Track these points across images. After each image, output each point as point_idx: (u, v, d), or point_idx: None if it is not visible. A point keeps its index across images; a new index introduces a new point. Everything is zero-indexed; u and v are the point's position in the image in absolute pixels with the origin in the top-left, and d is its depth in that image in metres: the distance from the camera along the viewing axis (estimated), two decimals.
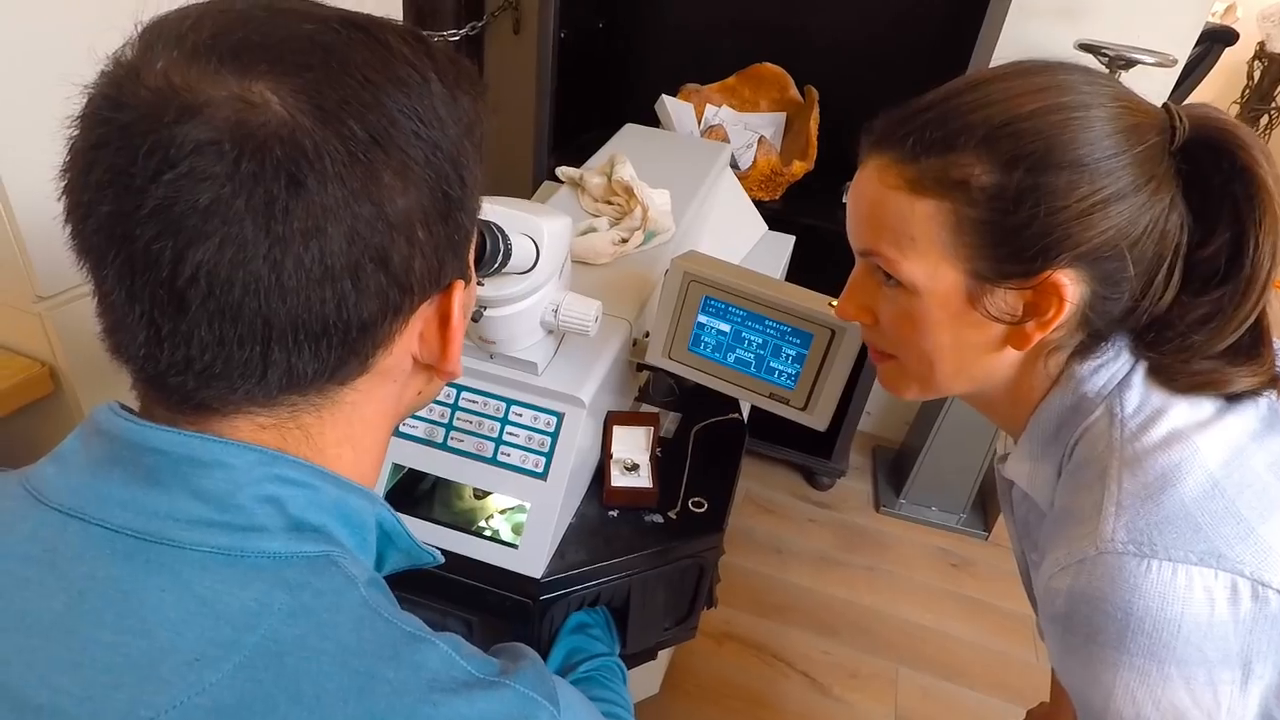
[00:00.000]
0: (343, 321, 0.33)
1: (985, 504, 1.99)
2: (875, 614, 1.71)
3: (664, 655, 1.38)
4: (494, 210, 0.58)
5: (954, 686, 1.57)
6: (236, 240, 0.30)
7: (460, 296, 0.39)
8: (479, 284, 0.60)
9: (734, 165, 1.61)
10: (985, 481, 1.93)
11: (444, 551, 0.69)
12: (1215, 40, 2.65)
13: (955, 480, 1.91)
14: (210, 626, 0.31)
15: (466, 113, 0.37)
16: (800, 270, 1.33)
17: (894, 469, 2.08)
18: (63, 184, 0.32)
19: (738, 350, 0.76)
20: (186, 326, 0.31)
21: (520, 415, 0.70)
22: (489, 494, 0.74)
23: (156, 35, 0.32)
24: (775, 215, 1.43)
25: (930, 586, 1.80)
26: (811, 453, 1.96)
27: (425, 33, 0.38)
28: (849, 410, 1.86)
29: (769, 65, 1.75)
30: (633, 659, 0.84)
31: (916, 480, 1.94)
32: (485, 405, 0.71)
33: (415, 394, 0.44)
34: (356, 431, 0.39)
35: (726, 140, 1.61)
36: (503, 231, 0.56)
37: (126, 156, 0.29)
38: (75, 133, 0.32)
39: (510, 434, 0.70)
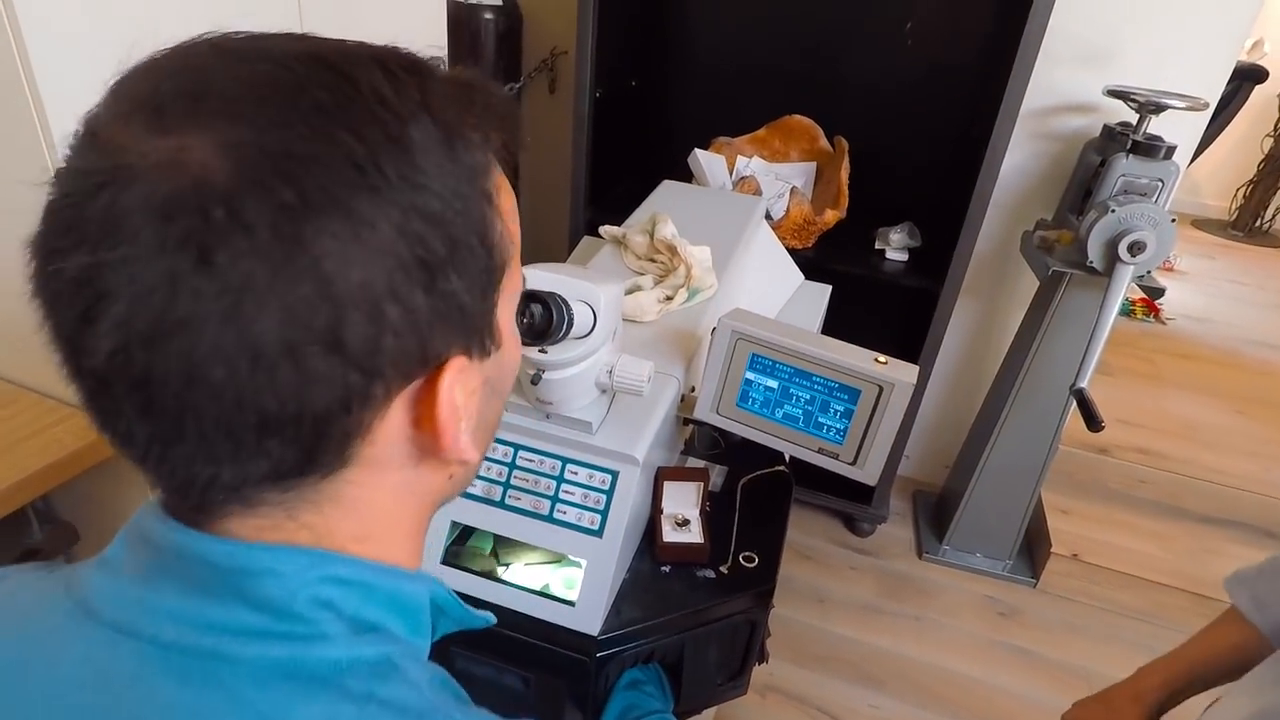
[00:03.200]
0: (287, 414, 0.28)
1: (1032, 550, 1.95)
2: (922, 665, 1.67)
3: (708, 709, 1.36)
4: (553, 279, 0.61)
5: None
6: (143, 328, 0.26)
7: (454, 377, 0.33)
8: (542, 351, 0.62)
9: (767, 215, 1.64)
10: (1031, 527, 1.89)
11: (500, 609, 0.71)
12: (1245, 79, 2.66)
13: (999, 526, 1.88)
14: None
15: (469, 157, 0.31)
16: (834, 317, 1.34)
17: (936, 514, 2.06)
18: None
19: (786, 406, 0.77)
20: (120, 414, 0.28)
21: (576, 473, 0.72)
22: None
23: (113, 91, 0.29)
24: (808, 263, 1.45)
25: (978, 637, 1.75)
26: (851, 499, 1.95)
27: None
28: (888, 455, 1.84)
29: (798, 117, 1.79)
30: (681, 714, 0.84)
31: (959, 526, 1.91)
32: (542, 464, 0.73)
33: (445, 479, 0.38)
34: (373, 528, 0.35)
35: (758, 191, 1.65)
36: (566, 302, 0.59)
37: (52, 233, 0.28)
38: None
39: (566, 492, 0.72)
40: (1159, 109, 1.45)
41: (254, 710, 0.29)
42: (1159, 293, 1.57)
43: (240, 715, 0.29)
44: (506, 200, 0.35)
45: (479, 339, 0.34)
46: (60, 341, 0.28)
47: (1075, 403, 1.51)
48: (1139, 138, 1.48)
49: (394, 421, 0.32)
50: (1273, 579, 0.67)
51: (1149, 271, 1.51)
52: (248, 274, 0.26)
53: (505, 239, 0.34)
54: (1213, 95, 1.55)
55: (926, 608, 1.81)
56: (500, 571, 0.75)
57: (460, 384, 0.33)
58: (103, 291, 0.26)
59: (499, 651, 0.72)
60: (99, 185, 0.27)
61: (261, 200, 0.26)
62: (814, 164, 1.80)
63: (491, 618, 0.43)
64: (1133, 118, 1.52)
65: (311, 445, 0.30)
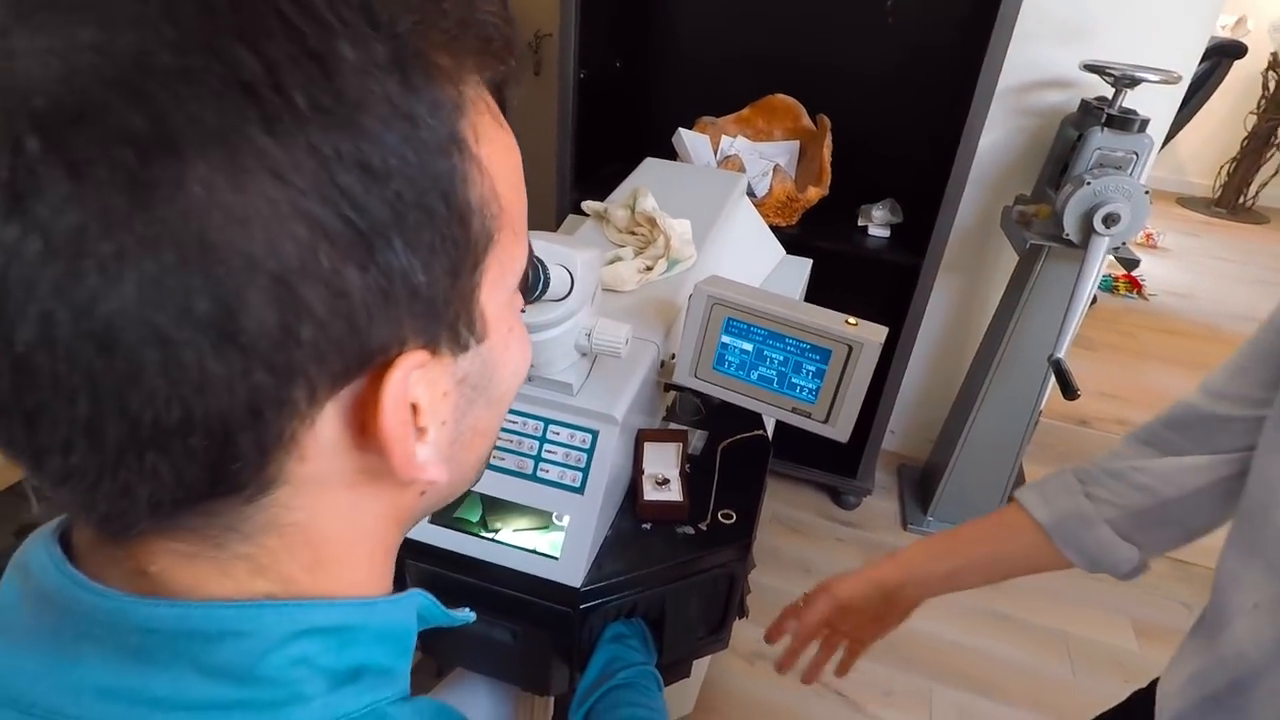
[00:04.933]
0: (170, 423, 0.22)
1: None
2: (907, 631, 1.68)
3: (697, 674, 1.40)
4: (532, 244, 0.63)
5: (989, 703, 1.57)
6: None
7: (418, 375, 0.26)
8: (520, 312, 0.64)
9: (751, 193, 1.66)
10: (1013, 497, 1.94)
11: (487, 564, 0.74)
12: (1223, 54, 2.69)
13: (981, 497, 1.92)
14: None
15: (438, 89, 0.24)
16: (817, 291, 1.37)
17: (920, 487, 2.09)
18: None
19: (760, 368, 0.80)
20: None
21: (558, 434, 0.75)
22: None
23: None
24: (792, 240, 1.48)
25: (961, 603, 1.79)
26: (837, 472, 1.98)
27: None
28: (873, 429, 1.88)
29: (781, 96, 1.81)
30: (667, 674, 0.87)
31: (943, 498, 1.95)
32: (525, 425, 0.75)
33: (415, 495, 0.32)
34: (327, 555, 0.29)
35: (743, 170, 1.67)
36: (542, 262, 0.61)
37: None
38: None
39: (549, 451, 0.75)
40: (1134, 82, 1.48)
41: None
42: (1134, 264, 1.60)
43: None
44: (500, 156, 0.27)
45: (449, 329, 0.27)
46: None
47: (1052, 372, 1.54)
48: (1114, 111, 1.50)
49: (328, 432, 0.26)
50: (1057, 478, 0.69)
51: (1124, 243, 1.54)
52: (78, 231, 0.19)
53: (492, 205, 0.27)
54: (1187, 69, 1.58)
55: None
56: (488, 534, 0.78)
57: (423, 384, 0.27)
58: None
59: (487, 606, 0.75)
60: None
61: (97, 126, 0.19)
62: (797, 142, 1.83)
63: (471, 615, 0.39)
64: (1109, 92, 1.54)
65: (215, 462, 0.23)
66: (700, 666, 1.40)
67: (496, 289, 0.29)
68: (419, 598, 0.33)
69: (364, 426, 0.26)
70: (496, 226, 0.28)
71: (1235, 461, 0.59)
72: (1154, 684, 0.67)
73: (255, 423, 0.23)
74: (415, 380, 0.26)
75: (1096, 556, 0.65)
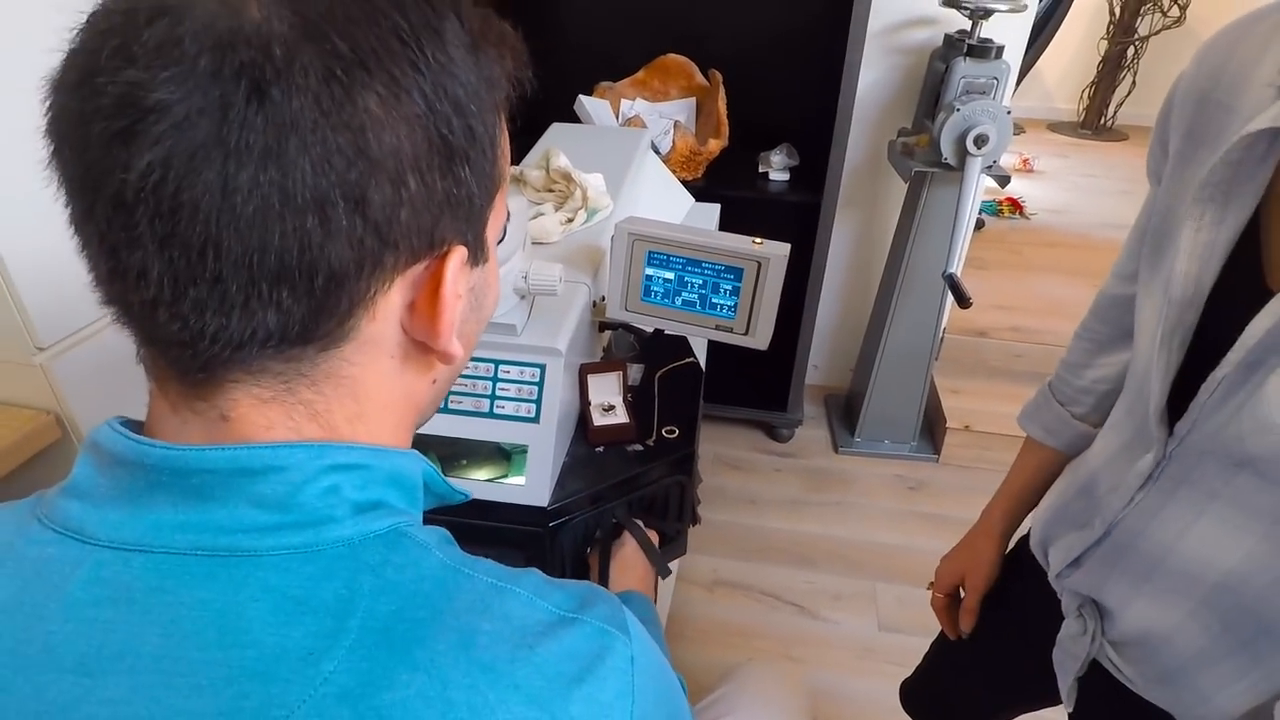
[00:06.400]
0: (305, 264, 0.30)
1: (931, 429, 2.17)
2: (848, 542, 1.86)
3: (663, 603, 1.49)
4: None
5: (926, 593, 1.72)
6: (185, 148, 0.28)
7: (458, 265, 0.36)
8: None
9: (655, 150, 1.74)
10: (928, 409, 2.10)
11: None
12: None
13: (900, 413, 2.08)
14: (312, 622, 0.31)
15: (488, 67, 0.35)
16: None
17: (845, 412, 2.24)
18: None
19: (683, 293, 0.88)
20: (137, 245, 0.29)
21: (508, 372, 0.81)
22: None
23: None
24: (699, 191, 1.56)
25: (893, 510, 1.95)
26: (769, 408, 2.11)
27: None
28: (795, 364, 2.01)
29: (673, 56, 1.89)
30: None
31: (866, 419, 2.10)
32: (476, 368, 0.82)
33: (429, 382, 0.41)
34: (366, 410, 0.37)
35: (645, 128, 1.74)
36: None
37: (95, 59, 0.29)
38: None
39: (502, 389, 0.81)
40: (987, 13, 1.62)
41: (283, 594, 0.31)
42: (1005, 180, 1.76)
43: (271, 601, 0.31)
44: (505, 131, 0.39)
45: (477, 242, 0.38)
46: (82, 167, 0.29)
47: (947, 286, 1.69)
48: (973, 41, 1.64)
49: (394, 300, 0.35)
50: (1049, 408, 0.80)
51: (995, 162, 1.69)
52: (297, 113, 0.28)
53: (504, 160, 0.38)
54: None
55: (846, 493, 2.00)
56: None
57: (453, 273, 0.36)
58: (149, 107, 0.28)
59: (461, 536, 0.81)
60: (151, 16, 0.29)
61: (318, 47, 0.29)
62: (693, 99, 1.91)
63: (469, 492, 0.45)
64: (968, 25, 1.68)
65: (320, 305, 0.32)
66: (665, 595, 1.50)
67: (494, 227, 0.40)
68: (422, 460, 0.40)
69: (415, 304, 0.36)
70: (503, 178, 0.39)
71: None
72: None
73: (357, 275, 0.32)
74: (457, 270, 0.36)
75: None
